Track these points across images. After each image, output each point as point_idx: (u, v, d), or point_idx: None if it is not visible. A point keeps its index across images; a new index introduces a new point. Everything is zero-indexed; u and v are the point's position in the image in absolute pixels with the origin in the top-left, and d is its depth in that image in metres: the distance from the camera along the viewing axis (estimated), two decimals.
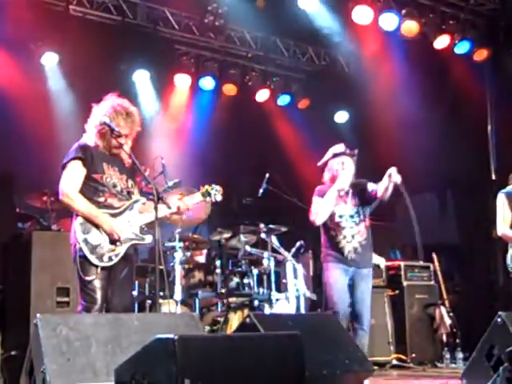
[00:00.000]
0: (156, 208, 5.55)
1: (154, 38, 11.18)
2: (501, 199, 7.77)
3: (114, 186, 5.76)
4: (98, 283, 5.49)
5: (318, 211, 7.18)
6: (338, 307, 6.97)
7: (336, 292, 7.04)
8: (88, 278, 5.47)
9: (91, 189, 5.66)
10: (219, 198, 6.51)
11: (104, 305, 5.56)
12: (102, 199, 5.67)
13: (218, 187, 6.51)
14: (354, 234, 7.24)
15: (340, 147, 7.36)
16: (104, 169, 5.74)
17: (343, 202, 7.31)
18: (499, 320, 5.72)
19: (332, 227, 7.23)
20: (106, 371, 4.07)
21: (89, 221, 5.56)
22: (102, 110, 5.77)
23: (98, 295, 5.48)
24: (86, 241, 5.52)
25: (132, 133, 5.86)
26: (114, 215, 5.67)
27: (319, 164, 7.48)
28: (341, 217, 7.24)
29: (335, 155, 7.34)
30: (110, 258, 5.58)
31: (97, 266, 5.51)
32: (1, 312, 7.96)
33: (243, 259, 8.90)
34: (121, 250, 5.64)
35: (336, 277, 7.09)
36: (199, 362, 3.50)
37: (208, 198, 6.42)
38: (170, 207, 5.88)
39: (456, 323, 9.73)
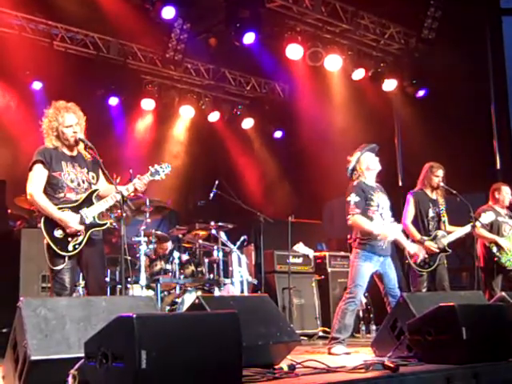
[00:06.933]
0: (122, 209, 5.43)
1: (124, 69, 11.19)
2: (409, 199, 7.53)
3: (72, 181, 5.47)
4: (66, 271, 5.27)
5: (362, 223, 6.43)
6: (360, 291, 6.52)
7: (361, 280, 6.45)
8: (57, 268, 5.26)
9: (53, 187, 5.40)
10: (167, 171, 5.88)
11: (73, 289, 5.40)
12: (61, 195, 5.41)
13: (166, 164, 5.92)
14: None
15: (373, 145, 6.81)
16: (63, 167, 5.46)
17: (383, 194, 6.73)
18: (401, 299, 5.76)
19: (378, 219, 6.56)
20: (78, 345, 3.99)
21: (51, 217, 5.33)
22: (48, 114, 5.56)
23: (67, 282, 5.27)
24: (51, 235, 5.29)
25: (80, 121, 5.55)
26: (72, 208, 5.40)
27: (351, 159, 6.73)
28: (383, 208, 6.61)
29: (368, 150, 6.73)
30: (75, 247, 5.33)
31: (64, 257, 5.30)
32: None
33: (197, 251, 8.88)
34: (82, 238, 5.37)
35: (367, 266, 6.48)
36: (154, 336, 3.45)
37: (157, 176, 5.83)
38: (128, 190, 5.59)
39: (370, 302, 9.80)
